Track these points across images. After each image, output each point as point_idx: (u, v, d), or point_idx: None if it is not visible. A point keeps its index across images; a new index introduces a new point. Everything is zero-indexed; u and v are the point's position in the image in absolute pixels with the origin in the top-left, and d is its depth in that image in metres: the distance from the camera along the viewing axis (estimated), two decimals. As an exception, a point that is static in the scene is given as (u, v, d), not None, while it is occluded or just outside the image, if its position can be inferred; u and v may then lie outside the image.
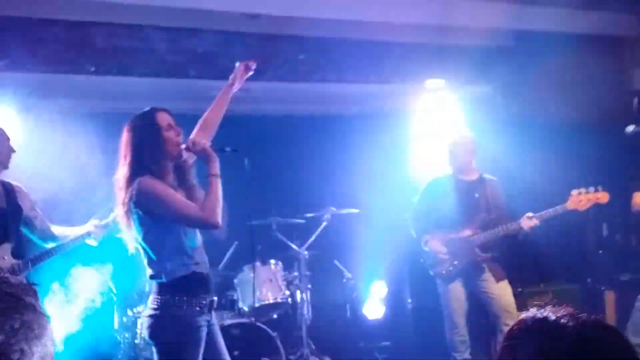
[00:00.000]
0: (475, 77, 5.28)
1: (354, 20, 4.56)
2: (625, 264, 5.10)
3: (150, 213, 2.55)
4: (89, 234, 3.39)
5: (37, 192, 3.47)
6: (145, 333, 2.61)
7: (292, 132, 5.43)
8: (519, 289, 4.83)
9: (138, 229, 2.59)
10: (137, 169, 2.58)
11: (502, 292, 4.20)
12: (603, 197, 4.13)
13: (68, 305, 4.04)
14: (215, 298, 2.74)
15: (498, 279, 4.22)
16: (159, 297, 2.56)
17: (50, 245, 3.38)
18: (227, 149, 2.76)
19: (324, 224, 4.75)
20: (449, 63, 5.06)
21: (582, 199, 4.09)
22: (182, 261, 2.59)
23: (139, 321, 4.17)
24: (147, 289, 4.16)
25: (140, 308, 4.20)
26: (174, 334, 2.53)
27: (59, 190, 3.70)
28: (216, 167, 2.63)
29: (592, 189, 4.12)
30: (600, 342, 1.05)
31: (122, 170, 2.63)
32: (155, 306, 2.56)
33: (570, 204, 4.09)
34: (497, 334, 4.21)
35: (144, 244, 2.61)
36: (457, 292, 4.23)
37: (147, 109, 2.74)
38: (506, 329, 4.27)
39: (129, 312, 4.25)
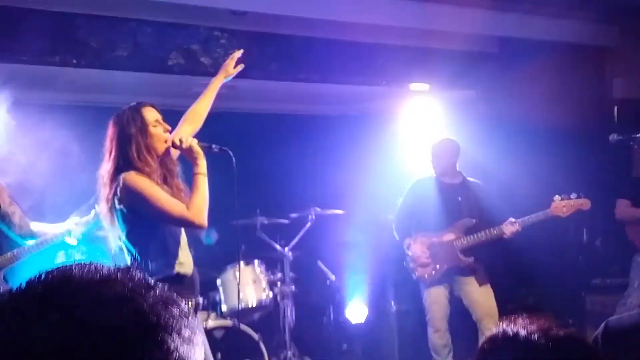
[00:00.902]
0: (458, 82, 5.32)
1: (341, 22, 4.55)
2: (605, 269, 5.16)
3: (134, 210, 2.48)
4: (68, 232, 3.30)
5: (15, 186, 3.34)
6: None
7: (277, 131, 5.38)
8: (500, 294, 4.85)
9: (121, 226, 2.51)
10: (122, 164, 2.51)
11: (484, 296, 4.20)
12: (585, 204, 4.16)
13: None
14: (201, 299, 2.67)
15: (481, 283, 4.23)
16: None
17: (29, 242, 3.27)
18: (215, 147, 2.70)
19: (308, 224, 4.70)
20: (433, 67, 5.08)
21: (564, 205, 4.12)
22: (166, 261, 2.52)
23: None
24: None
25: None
26: None
27: (38, 185, 3.58)
28: (203, 165, 2.58)
29: (574, 195, 4.15)
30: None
31: (107, 166, 2.55)
32: None
33: (552, 210, 4.12)
34: (480, 338, 4.20)
35: (127, 243, 2.53)
36: (439, 296, 4.22)
37: (133, 103, 2.65)
38: (488, 332, 4.29)
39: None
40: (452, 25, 4.85)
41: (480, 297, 4.20)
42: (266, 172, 5.13)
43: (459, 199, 4.27)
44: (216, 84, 3.02)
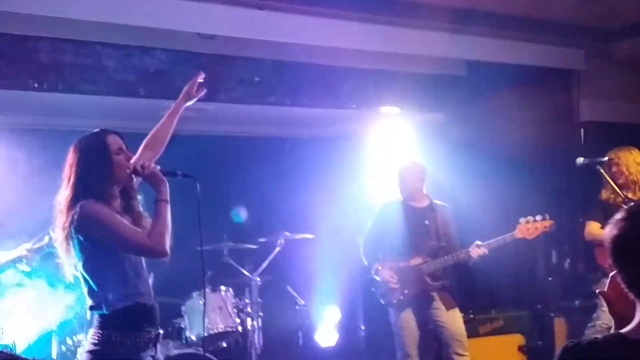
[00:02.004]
0: (427, 105, 5.36)
1: (310, 45, 4.57)
2: (574, 290, 5.19)
3: (91, 239, 2.40)
4: (20, 259, 3.21)
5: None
6: None
7: (246, 155, 5.35)
8: (471, 315, 4.85)
9: (78, 255, 2.43)
10: (81, 192, 2.43)
11: (452, 320, 4.19)
12: (549, 225, 4.18)
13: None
14: (161, 331, 2.59)
15: (448, 308, 4.21)
16: (100, 331, 2.39)
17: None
18: (179, 173, 2.63)
19: (277, 249, 4.65)
20: (402, 90, 5.12)
21: (529, 227, 4.13)
22: (124, 291, 2.43)
23: (79, 350, 3.95)
24: (87, 317, 3.96)
25: (80, 336, 3.97)
26: None
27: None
28: (166, 192, 2.50)
29: (539, 217, 4.16)
30: None
31: (65, 193, 2.46)
32: (96, 341, 2.38)
33: (518, 233, 4.13)
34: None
35: (84, 272, 2.45)
36: (408, 321, 4.20)
37: (96, 130, 2.58)
38: (457, 357, 4.27)
39: (69, 341, 4.02)
40: (421, 49, 4.89)
41: (449, 322, 4.18)
42: (235, 196, 5.09)
43: (426, 222, 4.27)
44: (177, 108, 2.97)
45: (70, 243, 2.42)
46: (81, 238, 2.40)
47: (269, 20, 4.29)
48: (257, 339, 4.39)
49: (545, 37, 5.26)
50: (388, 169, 5.30)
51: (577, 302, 5.11)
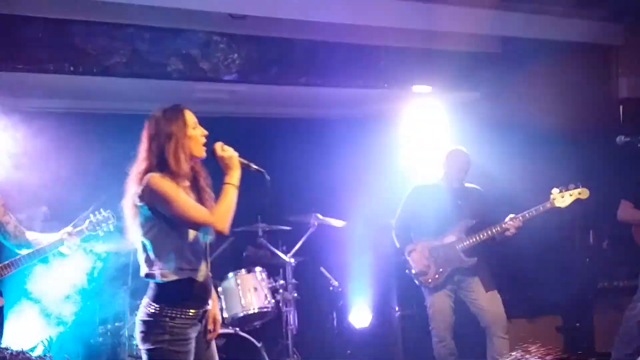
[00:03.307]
0: (461, 83, 5.26)
1: (341, 24, 4.50)
2: (612, 271, 5.08)
3: (154, 210, 2.48)
4: (62, 242, 3.26)
5: (10, 196, 3.31)
6: (137, 336, 2.55)
7: (278, 136, 5.33)
8: (507, 297, 4.79)
9: (142, 223, 2.51)
10: (155, 164, 2.51)
11: (492, 303, 4.15)
12: (583, 192, 4.15)
13: (45, 312, 3.88)
14: (209, 307, 2.64)
15: (487, 289, 4.17)
16: (153, 303, 2.50)
17: (24, 251, 3.24)
18: (253, 166, 2.66)
19: (311, 230, 4.65)
20: (435, 68, 5.03)
21: (563, 196, 4.11)
22: (179, 265, 2.50)
23: (120, 331, 4.03)
24: (127, 298, 4.03)
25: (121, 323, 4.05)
26: (164, 343, 2.47)
27: (34, 194, 3.55)
28: (237, 177, 2.56)
29: (572, 185, 4.14)
30: None
31: (140, 164, 2.53)
32: (148, 312, 2.50)
33: (551, 202, 4.11)
34: (489, 343, 4.15)
35: (145, 240, 2.53)
36: (443, 304, 4.17)
37: (173, 104, 2.60)
38: (497, 340, 4.22)
39: (109, 322, 4.11)
40: (455, 26, 4.79)
41: (488, 304, 4.14)
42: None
43: (459, 202, 4.23)
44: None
45: (136, 212, 2.50)
46: (146, 208, 2.48)
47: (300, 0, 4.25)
48: (292, 320, 4.41)
49: (583, 12, 5.10)
50: (421, 149, 5.24)
51: (615, 283, 5.02)
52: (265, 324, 4.41)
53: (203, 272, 2.59)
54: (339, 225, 4.71)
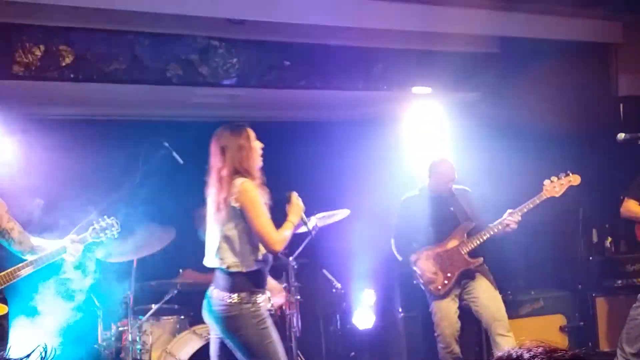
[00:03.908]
0: (460, 84, 5.26)
1: (340, 27, 4.52)
2: (615, 269, 5.07)
3: (244, 211, 2.94)
4: (64, 249, 3.27)
5: (13, 203, 3.33)
6: (223, 325, 2.97)
7: (278, 139, 5.31)
8: (510, 297, 4.79)
9: (230, 219, 2.96)
10: (236, 170, 2.99)
11: (492, 301, 4.14)
12: (574, 179, 4.21)
13: (48, 318, 3.89)
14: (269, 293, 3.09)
15: (488, 288, 4.17)
16: (232, 294, 2.93)
17: (28, 257, 3.25)
18: (305, 219, 3.29)
19: (313, 232, 4.64)
20: (435, 70, 5.04)
21: (555, 185, 4.15)
22: (256, 257, 2.99)
23: (124, 335, 4.03)
24: (130, 303, 4.04)
25: (124, 322, 4.05)
26: (251, 327, 2.95)
27: (35, 200, 3.57)
28: (297, 219, 3.17)
29: (562, 174, 4.19)
30: None
31: (222, 171, 3.00)
32: (231, 303, 2.93)
33: (545, 193, 4.15)
34: (492, 345, 4.14)
35: (230, 234, 2.96)
36: (448, 311, 4.15)
37: (238, 123, 3.15)
38: (499, 338, 4.21)
39: (113, 327, 4.11)
40: (453, 27, 4.80)
41: (489, 302, 4.13)
42: (268, 181, 5.09)
43: (451, 209, 4.25)
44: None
45: (227, 208, 2.95)
46: (237, 207, 2.95)
47: (298, 3, 4.26)
48: (296, 322, 4.41)
49: (581, 11, 5.10)
50: (421, 150, 5.24)
51: (619, 282, 5.01)
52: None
53: (269, 263, 3.09)
54: (343, 215, 4.70)
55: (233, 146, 3.03)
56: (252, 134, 3.12)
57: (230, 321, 2.95)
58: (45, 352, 1.13)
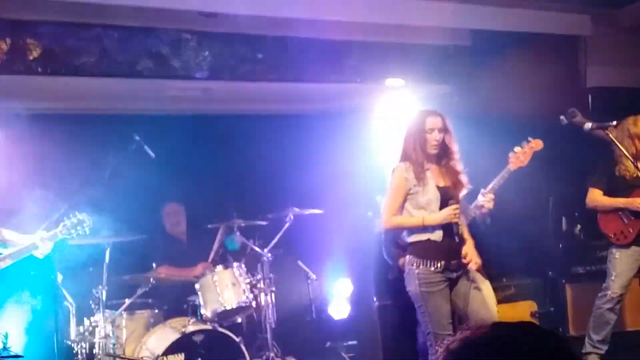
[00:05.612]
0: (433, 76, 5.31)
1: (312, 20, 4.53)
2: (584, 257, 5.19)
3: None
4: (35, 246, 3.24)
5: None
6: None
7: (252, 132, 5.34)
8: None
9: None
10: (400, 155, 3.45)
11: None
12: (537, 144, 4.07)
13: (20, 315, 3.85)
14: (453, 262, 3.41)
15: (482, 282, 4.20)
16: (409, 257, 3.41)
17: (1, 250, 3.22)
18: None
19: (287, 224, 4.68)
20: (407, 62, 5.08)
21: (519, 155, 4.02)
22: (421, 230, 3.38)
23: (97, 330, 4.02)
24: (103, 298, 4.02)
25: (97, 317, 4.04)
26: (414, 287, 3.38)
27: (7, 195, 3.53)
28: (436, 222, 3.41)
29: (524, 142, 4.07)
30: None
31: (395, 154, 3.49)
32: (411, 266, 3.38)
33: (512, 165, 3.99)
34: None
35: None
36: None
37: (419, 110, 3.55)
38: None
39: (86, 322, 4.09)
40: (425, 20, 4.84)
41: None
42: (243, 173, 5.10)
43: None
44: None
45: None
46: None
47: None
48: (271, 314, 4.44)
49: (550, 4, 5.18)
50: (395, 142, 5.28)
51: (588, 268, 5.12)
52: (244, 319, 4.43)
53: (439, 232, 3.38)
54: (317, 212, 4.72)
55: (406, 133, 3.55)
56: (429, 122, 3.44)
57: (404, 277, 3.51)
58: (6, 340, 1.14)
